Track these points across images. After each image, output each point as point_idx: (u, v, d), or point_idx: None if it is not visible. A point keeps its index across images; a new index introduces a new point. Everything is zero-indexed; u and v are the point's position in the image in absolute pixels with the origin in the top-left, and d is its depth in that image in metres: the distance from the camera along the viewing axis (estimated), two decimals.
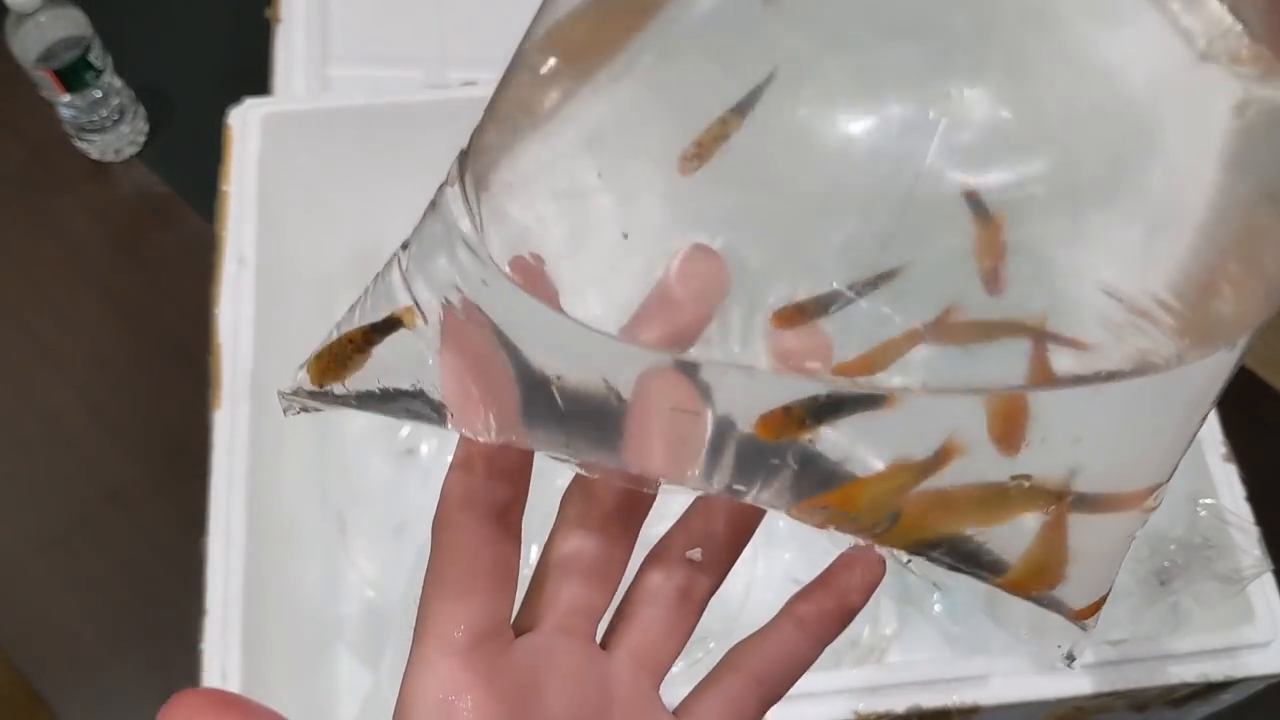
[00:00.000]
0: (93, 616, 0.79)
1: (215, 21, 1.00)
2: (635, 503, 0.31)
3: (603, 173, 0.27)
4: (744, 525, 0.32)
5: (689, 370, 0.26)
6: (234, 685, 0.58)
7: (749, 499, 0.27)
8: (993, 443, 0.26)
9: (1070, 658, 0.30)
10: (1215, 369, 0.27)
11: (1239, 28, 0.27)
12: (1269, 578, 0.61)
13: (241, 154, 0.72)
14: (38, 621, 0.80)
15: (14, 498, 0.84)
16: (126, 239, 0.93)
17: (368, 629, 0.72)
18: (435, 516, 0.29)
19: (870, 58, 0.27)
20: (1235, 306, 0.27)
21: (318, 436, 0.77)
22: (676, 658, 0.32)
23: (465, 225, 0.27)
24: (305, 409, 0.30)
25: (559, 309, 0.26)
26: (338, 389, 0.29)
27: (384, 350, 0.28)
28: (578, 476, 0.31)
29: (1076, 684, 0.58)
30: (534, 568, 0.31)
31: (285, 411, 0.30)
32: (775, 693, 0.33)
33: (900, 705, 0.57)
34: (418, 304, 0.28)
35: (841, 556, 0.33)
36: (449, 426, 0.27)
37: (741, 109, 0.26)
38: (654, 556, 0.32)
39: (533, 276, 0.27)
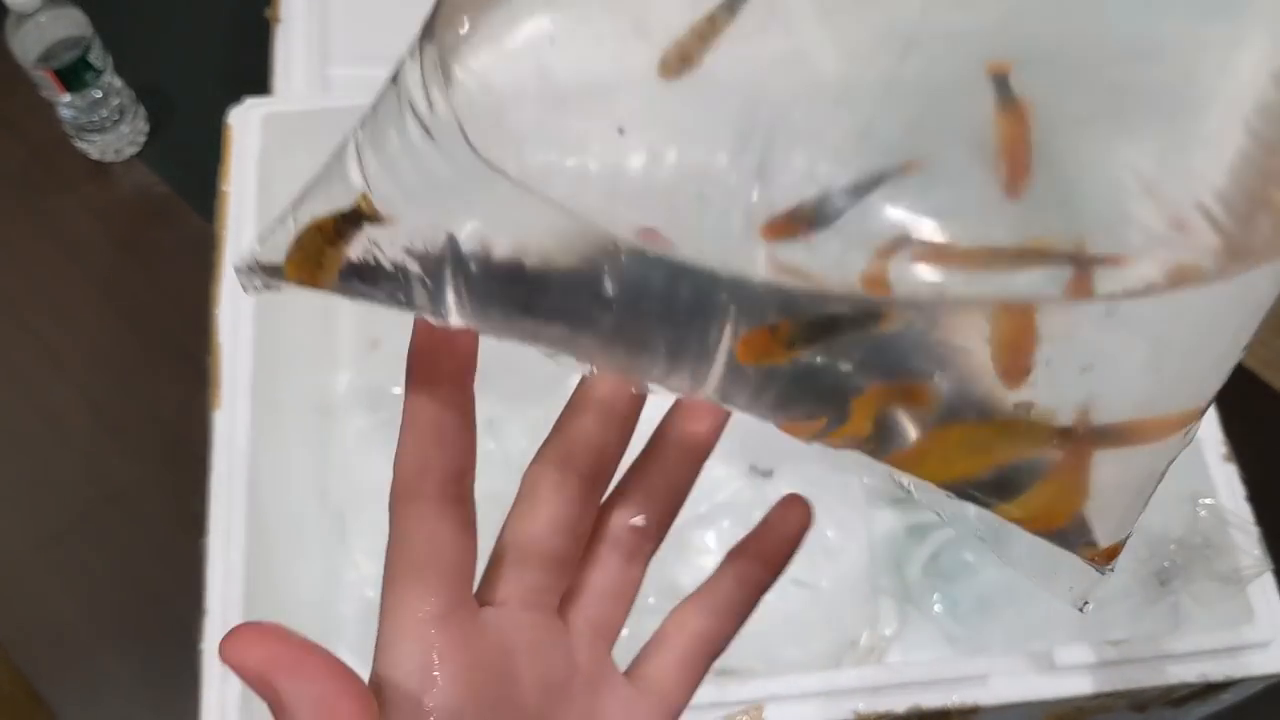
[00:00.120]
0: (92, 616, 0.79)
1: (215, 21, 1.00)
2: (598, 476, 0.32)
3: (579, 55, 0.25)
4: (682, 485, 0.33)
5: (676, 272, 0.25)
6: (234, 685, 0.58)
7: (734, 409, 0.27)
8: (996, 370, 0.24)
9: (1084, 602, 0.28)
10: (1261, 287, 0.25)
11: None
12: (1269, 578, 0.61)
13: (241, 154, 0.72)
14: (37, 621, 0.80)
15: (14, 497, 0.84)
16: (126, 239, 0.93)
17: (368, 629, 0.71)
18: (392, 490, 0.29)
19: None
20: None
21: (318, 436, 0.77)
22: (625, 620, 0.33)
23: (419, 97, 0.26)
24: (269, 287, 0.29)
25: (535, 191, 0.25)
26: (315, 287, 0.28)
27: (357, 249, 0.27)
28: (540, 450, 0.31)
29: (1076, 684, 0.58)
30: (496, 541, 0.31)
31: (245, 289, 0.29)
32: (720, 647, 0.34)
33: (900, 705, 0.57)
34: (366, 177, 0.26)
35: (774, 508, 0.35)
36: (434, 317, 0.26)
37: (732, 5, 0.25)
38: (600, 524, 0.32)
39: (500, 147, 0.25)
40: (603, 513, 0.33)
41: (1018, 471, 0.26)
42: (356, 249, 0.27)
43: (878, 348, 0.25)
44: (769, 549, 0.35)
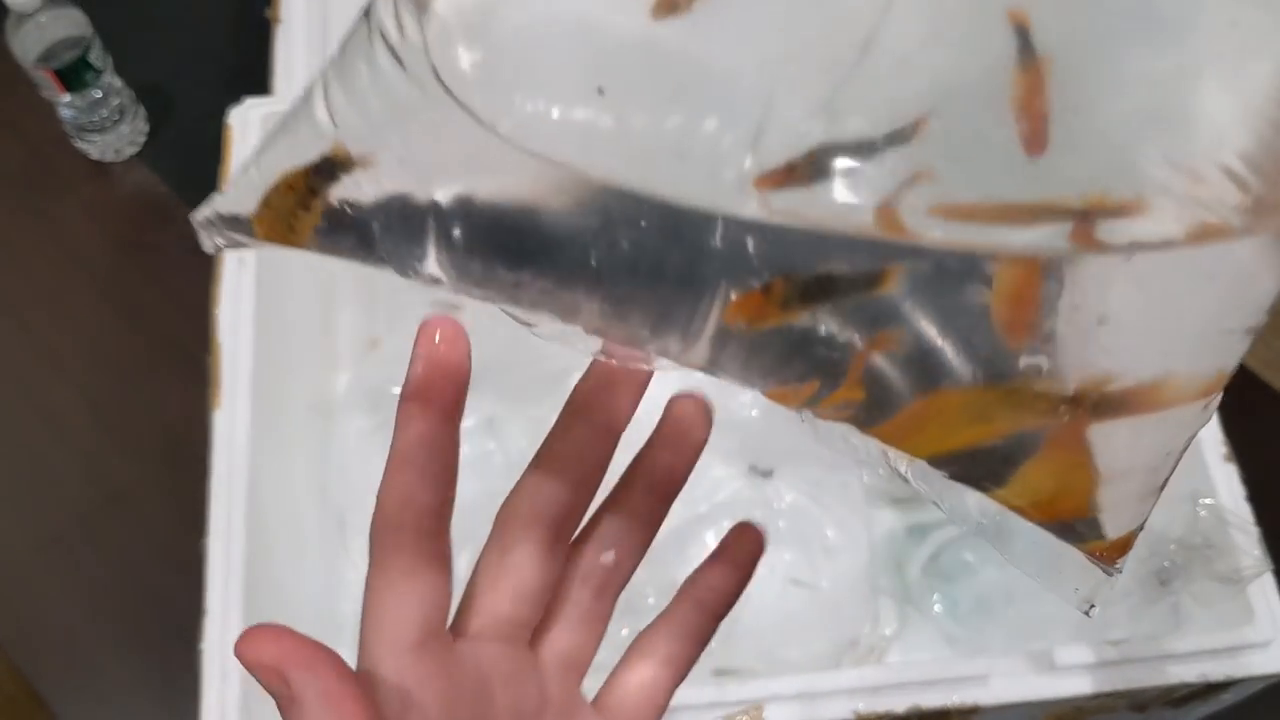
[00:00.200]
0: (92, 616, 0.79)
1: (215, 21, 1.00)
2: (569, 516, 0.32)
3: None
4: (652, 522, 0.34)
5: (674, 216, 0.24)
6: (234, 685, 0.58)
7: (725, 376, 0.26)
8: (999, 324, 0.23)
9: (1089, 605, 0.27)
10: None
11: None
12: (1269, 578, 0.61)
13: (241, 154, 0.72)
14: (37, 621, 0.80)
15: (14, 498, 0.84)
16: (126, 239, 0.93)
17: None
18: (374, 518, 0.29)
19: None
20: None
21: (318, 437, 0.77)
22: (595, 652, 0.34)
23: (390, 24, 0.25)
24: (232, 244, 0.28)
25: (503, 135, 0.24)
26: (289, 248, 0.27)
27: (331, 203, 0.25)
28: (516, 487, 0.32)
29: (1076, 684, 0.58)
30: (471, 572, 0.32)
31: (205, 246, 0.28)
32: (684, 671, 0.34)
33: (900, 705, 0.57)
34: (333, 114, 0.25)
35: (728, 534, 0.35)
36: (413, 273, 0.26)
37: None
38: (572, 560, 0.33)
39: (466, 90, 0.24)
40: (574, 549, 0.33)
41: (1021, 444, 0.25)
42: (330, 203, 0.25)
43: (876, 306, 0.24)
44: (723, 577, 0.35)
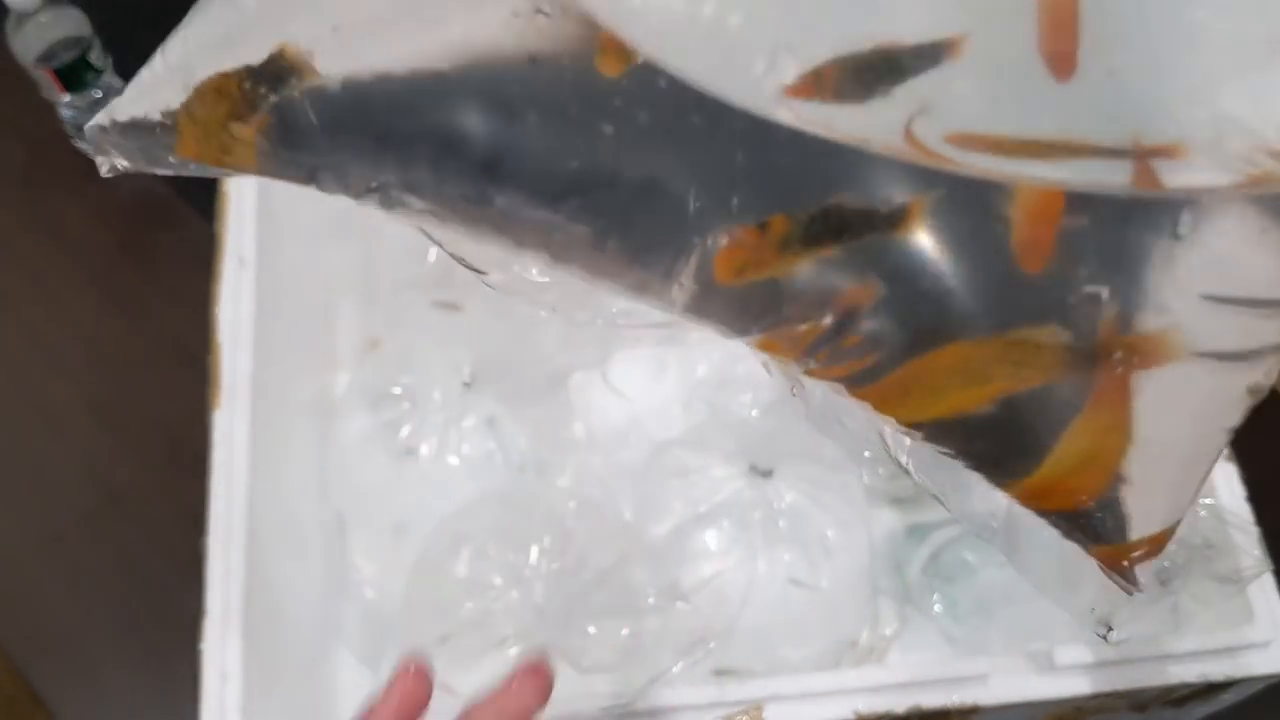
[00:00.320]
0: (92, 616, 0.79)
1: None
2: None
3: None
4: None
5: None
6: (234, 685, 0.58)
7: (711, 322, 0.24)
8: (1016, 243, 0.21)
9: (1106, 628, 0.24)
10: None
11: None
12: (1269, 578, 0.61)
13: None
14: (37, 621, 0.80)
15: (14, 497, 0.84)
16: (126, 239, 0.93)
17: (368, 629, 0.72)
18: None
19: None
20: None
21: (318, 436, 0.77)
22: None
23: None
24: (142, 165, 0.24)
25: None
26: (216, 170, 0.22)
27: (277, 114, 0.21)
28: None
29: (1076, 684, 0.58)
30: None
31: (101, 167, 0.26)
32: None
33: (900, 705, 0.57)
34: None
35: (516, 669, 0.35)
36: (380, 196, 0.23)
37: None
38: None
39: None
40: None
41: (1023, 409, 0.22)
42: (276, 114, 0.21)
43: (893, 246, 0.21)
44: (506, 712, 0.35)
